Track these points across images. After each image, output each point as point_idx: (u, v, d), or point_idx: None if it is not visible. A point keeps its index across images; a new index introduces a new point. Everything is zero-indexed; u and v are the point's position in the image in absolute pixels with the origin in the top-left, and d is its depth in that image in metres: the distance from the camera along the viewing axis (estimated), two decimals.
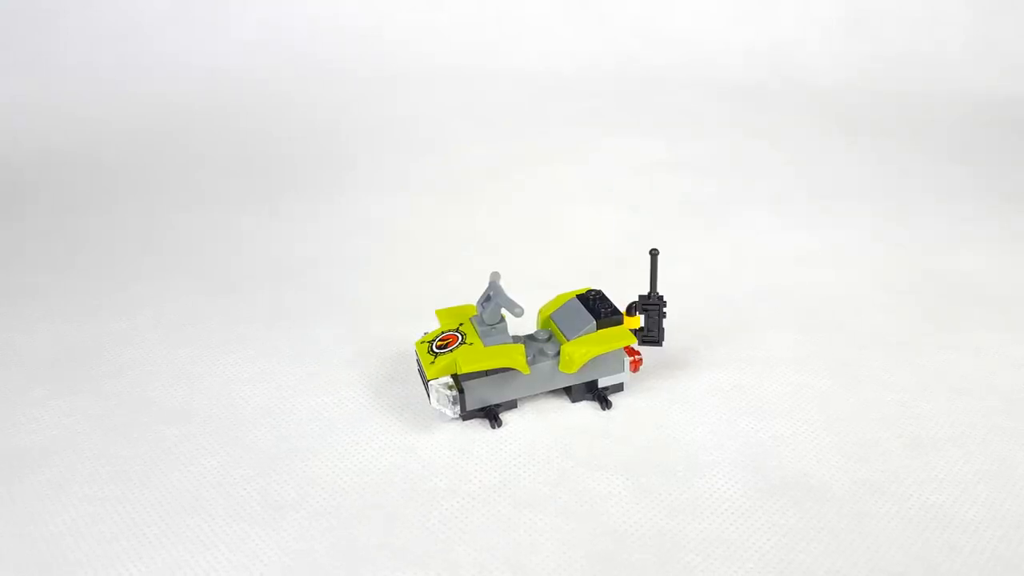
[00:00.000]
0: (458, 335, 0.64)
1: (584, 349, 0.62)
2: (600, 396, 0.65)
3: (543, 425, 0.63)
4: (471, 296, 0.84)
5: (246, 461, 0.60)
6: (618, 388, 0.67)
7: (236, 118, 1.58)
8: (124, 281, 0.91)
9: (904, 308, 0.80)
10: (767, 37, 1.83)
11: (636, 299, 0.70)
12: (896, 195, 1.11)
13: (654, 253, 0.68)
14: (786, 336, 0.75)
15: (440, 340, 0.64)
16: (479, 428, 0.63)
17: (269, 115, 1.59)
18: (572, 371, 0.63)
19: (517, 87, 1.73)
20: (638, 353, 0.66)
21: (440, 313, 0.68)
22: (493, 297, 0.63)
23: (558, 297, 0.69)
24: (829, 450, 0.60)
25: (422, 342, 0.66)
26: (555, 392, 0.67)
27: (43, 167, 1.34)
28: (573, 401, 0.66)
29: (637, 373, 0.68)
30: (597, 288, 0.70)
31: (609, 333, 0.64)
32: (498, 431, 0.63)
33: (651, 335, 0.71)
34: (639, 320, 0.68)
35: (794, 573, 0.49)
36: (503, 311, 0.63)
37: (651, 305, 0.69)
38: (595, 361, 0.64)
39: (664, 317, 0.70)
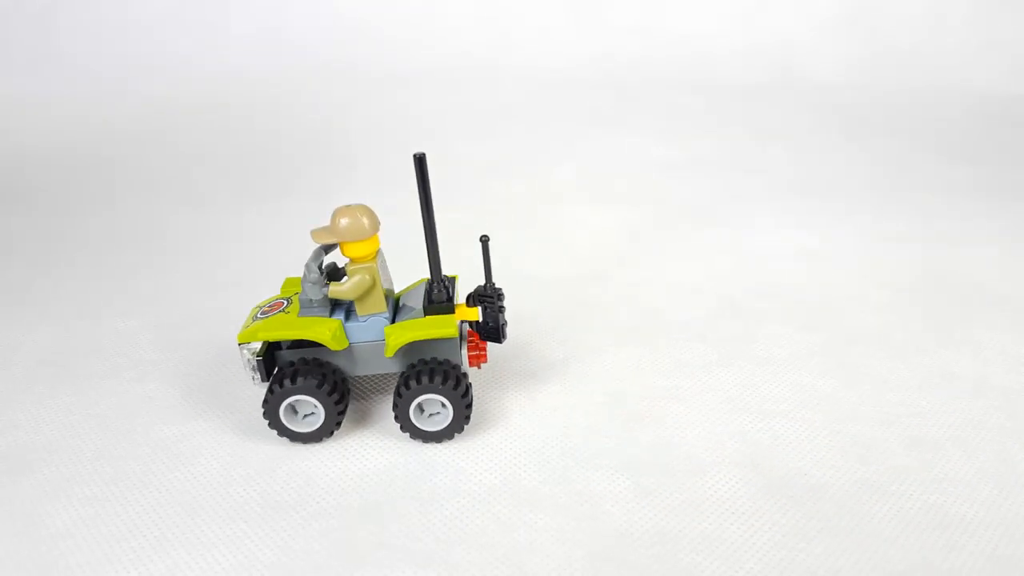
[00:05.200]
0: (284, 302, 0.63)
1: (399, 333, 0.60)
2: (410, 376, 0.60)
3: (543, 425, 0.63)
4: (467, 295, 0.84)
5: (246, 461, 0.60)
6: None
7: (236, 117, 1.58)
8: (124, 281, 0.91)
9: (905, 307, 0.80)
10: (767, 36, 1.83)
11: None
12: (896, 193, 1.11)
13: (484, 240, 0.61)
14: (786, 335, 0.75)
15: (269, 307, 0.63)
16: (478, 428, 0.63)
17: (269, 114, 1.59)
18: (388, 355, 0.60)
19: (517, 86, 1.73)
20: (482, 348, 0.63)
21: (288, 281, 0.67)
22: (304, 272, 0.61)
23: (420, 280, 0.67)
24: (829, 450, 0.60)
25: (259, 306, 0.65)
26: (554, 392, 0.67)
27: (43, 167, 1.34)
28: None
29: (481, 369, 0.66)
30: (454, 275, 0.67)
31: (432, 320, 0.60)
32: (498, 431, 0.63)
33: (489, 329, 0.64)
34: (477, 312, 0.63)
35: (794, 573, 0.49)
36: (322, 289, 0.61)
37: (486, 298, 0.63)
38: (423, 348, 0.62)
39: (502, 312, 0.64)
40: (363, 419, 0.65)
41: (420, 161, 0.58)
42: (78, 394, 0.70)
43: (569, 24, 1.91)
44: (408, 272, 0.77)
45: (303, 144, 1.41)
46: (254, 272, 0.93)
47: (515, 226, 1.04)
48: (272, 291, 0.87)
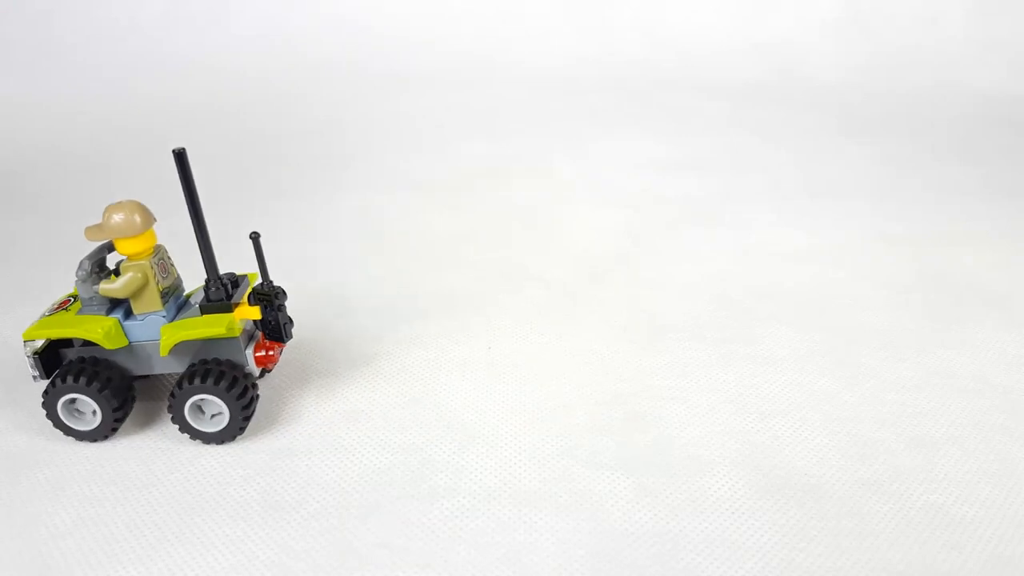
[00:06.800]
0: (71, 300, 0.64)
1: (172, 332, 0.60)
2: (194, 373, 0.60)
3: (543, 424, 0.63)
4: (467, 295, 0.84)
5: (246, 461, 0.60)
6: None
7: (236, 117, 1.58)
8: None
9: (905, 306, 0.80)
10: (767, 36, 1.83)
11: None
12: (896, 193, 1.11)
13: (255, 237, 0.60)
14: (786, 335, 0.75)
15: (59, 304, 0.64)
16: (478, 427, 0.63)
17: (269, 114, 1.59)
18: (163, 353, 0.60)
19: (516, 85, 1.73)
20: (271, 348, 0.63)
21: None
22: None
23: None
24: (829, 450, 0.60)
25: (54, 303, 0.65)
26: (554, 392, 0.67)
27: (43, 167, 1.34)
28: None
29: (271, 370, 0.67)
30: (252, 274, 0.66)
31: (205, 319, 0.60)
32: (498, 430, 0.63)
33: (272, 329, 0.63)
34: (258, 311, 0.62)
35: (795, 573, 0.49)
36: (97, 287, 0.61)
37: (263, 296, 0.62)
38: (208, 348, 0.62)
39: (282, 310, 0.63)
40: (363, 418, 0.65)
41: (180, 157, 0.57)
42: None
43: (569, 24, 1.91)
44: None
45: (303, 144, 1.41)
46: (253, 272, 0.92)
47: (515, 226, 1.04)
48: None
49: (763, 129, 1.42)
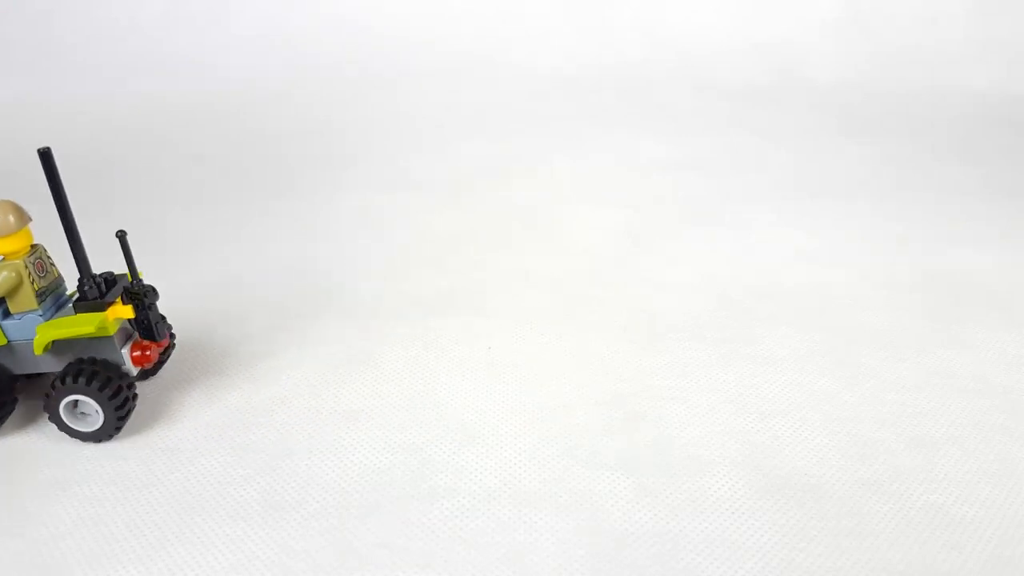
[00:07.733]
0: None
1: (45, 331, 0.60)
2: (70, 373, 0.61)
3: (543, 424, 0.63)
4: (467, 295, 0.84)
5: (246, 461, 0.60)
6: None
7: (236, 117, 1.58)
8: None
9: (905, 307, 0.80)
10: (767, 36, 1.83)
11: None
12: (896, 193, 1.11)
13: (121, 236, 0.61)
14: (786, 335, 0.75)
15: None
16: (478, 427, 0.63)
17: (269, 114, 1.59)
18: (37, 352, 0.61)
19: (517, 85, 1.73)
20: (148, 348, 0.63)
21: None
22: None
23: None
24: (829, 450, 0.60)
25: None
26: (554, 392, 0.67)
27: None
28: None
29: (150, 369, 0.68)
30: (123, 272, 0.66)
31: (77, 318, 0.61)
32: (498, 430, 0.63)
33: (144, 328, 0.64)
34: (131, 310, 0.62)
35: (795, 573, 0.49)
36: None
37: (133, 295, 0.62)
38: (85, 347, 0.62)
39: (152, 309, 0.63)
40: (363, 418, 0.65)
41: (45, 156, 0.58)
42: None
43: (569, 24, 1.91)
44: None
45: (303, 144, 1.41)
46: (254, 272, 0.93)
47: (515, 226, 1.04)
48: (273, 292, 0.87)
49: (763, 129, 1.42)
